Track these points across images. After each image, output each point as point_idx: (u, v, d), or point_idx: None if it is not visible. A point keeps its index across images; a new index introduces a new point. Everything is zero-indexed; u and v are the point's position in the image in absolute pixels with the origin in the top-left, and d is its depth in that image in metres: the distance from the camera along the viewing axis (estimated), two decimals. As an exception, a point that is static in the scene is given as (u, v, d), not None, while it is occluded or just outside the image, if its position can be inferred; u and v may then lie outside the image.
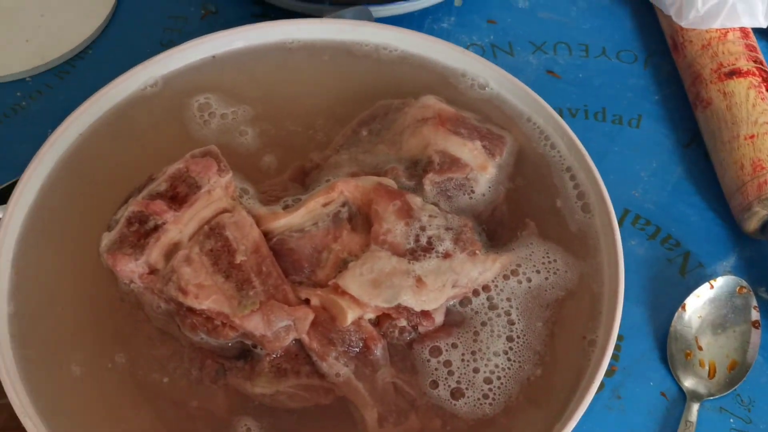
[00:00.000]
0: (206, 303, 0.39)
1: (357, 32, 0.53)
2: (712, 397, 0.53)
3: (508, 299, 0.43)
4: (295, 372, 0.40)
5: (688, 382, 0.53)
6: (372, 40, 0.53)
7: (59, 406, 0.41)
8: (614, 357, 0.55)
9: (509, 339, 0.42)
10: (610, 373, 0.55)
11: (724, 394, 0.53)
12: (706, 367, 0.54)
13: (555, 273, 0.44)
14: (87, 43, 0.70)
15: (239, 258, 0.40)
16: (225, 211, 0.42)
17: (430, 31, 0.72)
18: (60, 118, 0.66)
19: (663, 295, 0.58)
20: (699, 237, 0.61)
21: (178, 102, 0.52)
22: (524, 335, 0.42)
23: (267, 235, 0.42)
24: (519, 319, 0.43)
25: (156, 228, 0.41)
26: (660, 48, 0.71)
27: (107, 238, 0.41)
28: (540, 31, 0.73)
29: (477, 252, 0.43)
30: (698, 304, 0.55)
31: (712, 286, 0.56)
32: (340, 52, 0.53)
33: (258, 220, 0.42)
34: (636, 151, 0.65)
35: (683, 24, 0.66)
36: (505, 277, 0.44)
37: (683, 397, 0.54)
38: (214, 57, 0.53)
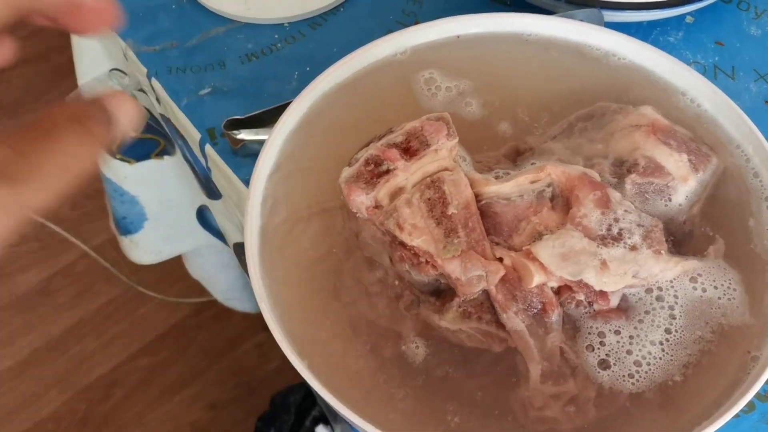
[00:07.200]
0: (417, 241, 0.45)
1: (589, 35, 0.57)
2: None
3: (675, 297, 0.47)
4: (478, 317, 0.46)
5: (842, 428, 0.54)
6: (603, 45, 0.57)
7: (281, 293, 0.48)
8: (772, 387, 0.57)
9: (667, 331, 0.46)
10: (763, 398, 0.57)
11: None
12: None
13: (730, 300, 0.47)
14: (340, 2, 0.79)
15: (451, 210, 0.46)
16: (446, 169, 0.48)
17: (656, 43, 0.74)
18: (306, 62, 0.75)
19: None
20: None
21: (417, 69, 0.57)
22: (681, 330, 0.46)
23: (477, 197, 0.47)
24: (681, 315, 0.46)
25: (387, 171, 0.47)
26: None
27: (347, 172, 0.49)
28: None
29: (662, 252, 0.46)
30: None
31: None
32: (569, 51, 0.57)
33: (472, 183, 0.48)
34: None
35: None
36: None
37: (833, 441, 0.55)
38: (458, 37, 0.58)
